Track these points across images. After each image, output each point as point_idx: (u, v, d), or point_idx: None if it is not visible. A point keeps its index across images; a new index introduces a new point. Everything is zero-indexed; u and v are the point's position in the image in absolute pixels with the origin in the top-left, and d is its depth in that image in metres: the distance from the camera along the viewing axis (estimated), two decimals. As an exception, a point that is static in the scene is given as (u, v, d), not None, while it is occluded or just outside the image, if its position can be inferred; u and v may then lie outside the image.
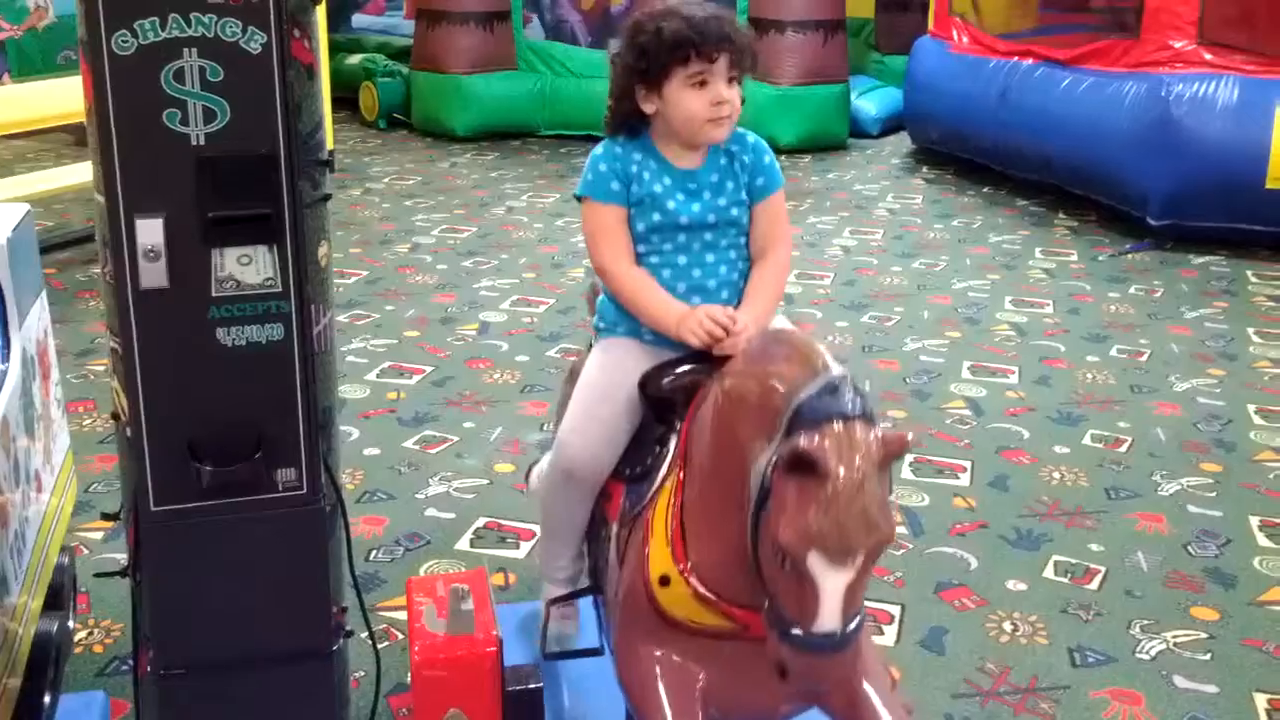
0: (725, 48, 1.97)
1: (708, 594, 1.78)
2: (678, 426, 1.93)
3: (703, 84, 1.98)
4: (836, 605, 1.54)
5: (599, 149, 2.10)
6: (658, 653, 1.83)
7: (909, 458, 3.78)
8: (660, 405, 1.99)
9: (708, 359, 1.94)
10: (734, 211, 2.07)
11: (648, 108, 2.03)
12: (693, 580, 1.78)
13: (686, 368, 1.98)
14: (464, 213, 7.13)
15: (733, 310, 1.98)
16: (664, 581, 1.80)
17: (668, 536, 1.82)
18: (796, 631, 1.56)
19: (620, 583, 1.92)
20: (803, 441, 1.53)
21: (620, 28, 2.07)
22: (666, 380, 1.99)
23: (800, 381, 1.62)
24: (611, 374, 2.08)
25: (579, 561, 2.24)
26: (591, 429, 2.06)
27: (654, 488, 1.91)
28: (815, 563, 1.52)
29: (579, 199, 2.11)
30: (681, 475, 1.86)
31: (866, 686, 1.77)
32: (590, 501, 2.12)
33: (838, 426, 1.54)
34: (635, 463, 2.01)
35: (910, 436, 1.59)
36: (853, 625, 1.57)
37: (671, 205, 2.03)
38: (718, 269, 2.07)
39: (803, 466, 1.52)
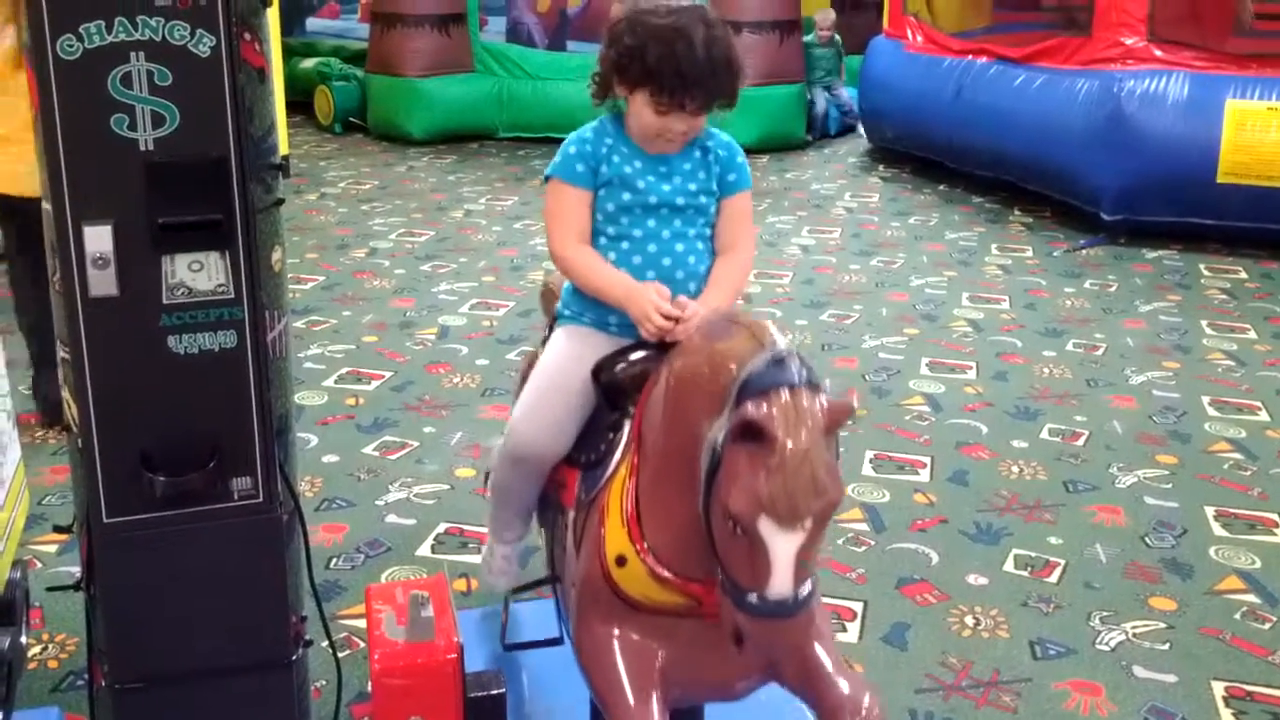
0: (696, 96, 1.97)
1: (664, 572, 1.79)
2: (631, 412, 1.95)
3: (665, 113, 2.00)
4: (788, 570, 1.57)
5: (573, 134, 2.13)
6: (616, 632, 1.84)
7: (869, 454, 3.80)
8: (613, 392, 2.01)
9: (660, 346, 1.96)
10: (703, 199, 2.09)
11: (619, 93, 2.07)
12: (649, 559, 1.80)
13: (639, 355, 2.00)
14: (421, 216, 7.09)
15: (683, 298, 1.99)
16: (620, 561, 1.82)
17: (623, 518, 1.84)
18: (751, 599, 1.59)
19: (577, 567, 1.93)
20: (750, 409, 1.56)
21: (625, 7, 2.06)
22: (619, 367, 2.01)
23: (747, 355, 1.65)
24: (568, 362, 2.10)
25: (527, 524, 2.31)
26: (543, 416, 2.09)
27: (608, 473, 1.93)
28: (766, 528, 1.55)
29: (547, 179, 2.13)
30: (635, 458, 1.88)
31: (819, 651, 1.80)
32: (540, 481, 2.16)
33: (784, 395, 1.58)
34: (590, 450, 2.03)
35: (855, 401, 1.63)
36: (805, 590, 1.60)
37: (642, 185, 2.06)
38: (686, 259, 2.09)
39: (751, 434, 1.56)
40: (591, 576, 1.86)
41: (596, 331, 2.11)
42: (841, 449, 1.66)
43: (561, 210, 2.10)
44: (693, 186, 2.08)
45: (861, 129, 9.42)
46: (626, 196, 2.06)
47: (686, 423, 1.71)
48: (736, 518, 1.57)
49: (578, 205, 2.08)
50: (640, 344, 2.02)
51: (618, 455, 1.93)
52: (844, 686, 1.77)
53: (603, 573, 1.84)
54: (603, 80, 2.09)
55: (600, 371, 2.03)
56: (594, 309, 2.11)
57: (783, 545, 1.55)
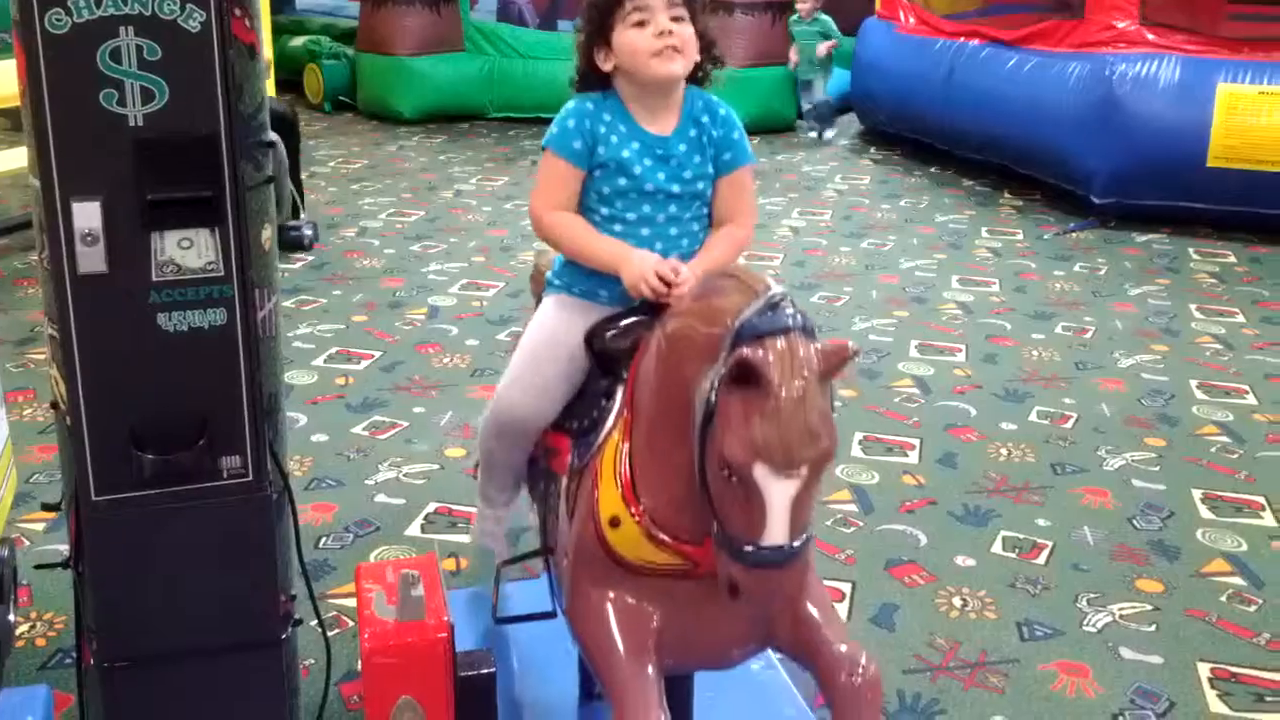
0: None
1: (659, 533, 1.78)
2: (623, 378, 1.94)
3: (642, 23, 1.99)
4: (784, 518, 1.56)
5: (572, 103, 2.09)
6: (610, 596, 1.83)
7: (858, 435, 3.80)
8: (605, 359, 2.00)
9: (652, 311, 1.94)
10: (700, 185, 2.07)
11: (606, 66, 2.04)
12: (644, 520, 1.79)
13: (632, 320, 1.99)
14: (411, 196, 7.06)
15: (679, 264, 1.96)
16: (614, 523, 1.81)
17: (617, 480, 1.83)
18: (746, 547, 1.58)
19: (571, 532, 1.92)
20: (745, 351, 1.55)
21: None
22: (611, 334, 2.00)
23: (741, 304, 1.63)
24: (556, 329, 2.08)
25: (517, 489, 2.28)
26: (529, 382, 2.08)
27: (601, 438, 1.92)
28: (761, 474, 1.54)
29: (544, 148, 2.10)
30: (629, 420, 1.87)
31: (812, 610, 1.81)
32: (528, 448, 2.15)
33: (779, 340, 1.57)
34: (582, 416, 2.01)
35: (851, 346, 1.61)
36: (801, 539, 1.59)
37: (638, 170, 2.03)
38: (680, 242, 2.07)
39: (745, 378, 1.54)
40: (585, 539, 1.85)
41: (585, 302, 2.09)
42: (837, 403, 1.64)
43: (550, 181, 2.07)
44: (688, 174, 2.05)
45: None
46: (623, 182, 2.03)
47: (680, 377, 1.70)
48: (731, 464, 1.56)
49: (568, 179, 2.05)
50: (633, 309, 2.00)
51: (610, 420, 1.92)
52: (840, 645, 1.79)
53: (596, 535, 1.83)
54: (584, 65, 2.07)
55: (593, 338, 2.01)
56: (585, 280, 2.09)
57: (778, 492, 1.55)
